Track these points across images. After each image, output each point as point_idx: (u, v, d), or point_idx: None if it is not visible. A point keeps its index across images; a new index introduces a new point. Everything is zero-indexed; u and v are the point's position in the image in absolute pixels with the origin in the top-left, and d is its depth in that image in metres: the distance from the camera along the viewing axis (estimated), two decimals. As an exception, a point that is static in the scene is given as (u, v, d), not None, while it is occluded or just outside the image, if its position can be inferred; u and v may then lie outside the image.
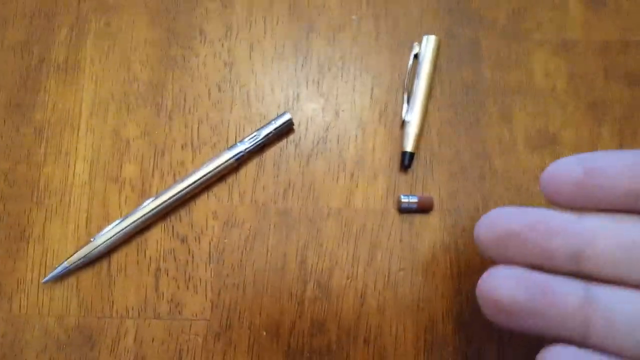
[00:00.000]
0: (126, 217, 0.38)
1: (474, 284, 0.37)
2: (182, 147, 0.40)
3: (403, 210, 0.38)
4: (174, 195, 0.38)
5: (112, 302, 0.38)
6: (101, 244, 0.37)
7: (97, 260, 0.38)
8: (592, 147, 0.39)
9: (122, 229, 0.37)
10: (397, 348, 0.36)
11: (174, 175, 0.39)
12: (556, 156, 0.39)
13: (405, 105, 0.39)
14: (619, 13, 0.42)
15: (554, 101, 0.40)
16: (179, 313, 0.37)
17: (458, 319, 0.37)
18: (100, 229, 0.38)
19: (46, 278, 0.37)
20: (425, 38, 0.40)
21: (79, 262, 0.37)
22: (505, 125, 0.40)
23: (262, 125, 0.39)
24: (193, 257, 0.38)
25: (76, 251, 0.37)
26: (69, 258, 0.37)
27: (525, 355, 0.36)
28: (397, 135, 0.40)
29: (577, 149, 0.39)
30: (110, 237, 0.37)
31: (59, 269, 0.37)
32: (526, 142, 0.39)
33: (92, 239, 0.37)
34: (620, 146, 0.39)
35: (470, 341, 0.36)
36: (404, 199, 0.37)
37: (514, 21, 0.42)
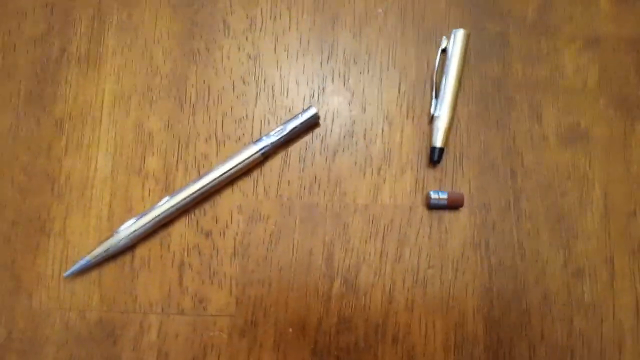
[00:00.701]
0: (149, 210, 0.37)
1: (505, 282, 0.36)
2: (205, 140, 0.39)
3: (432, 206, 0.37)
4: (198, 189, 0.37)
5: (135, 296, 0.37)
6: (124, 238, 0.36)
7: (120, 254, 0.37)
8: (625, 143, 0.39)
9: (146, 223, 0.37)
10: (427, 347, 0.36)
11: (198, 168, 0.39)
12: (588, 153, 0.38)
13: (434, 100, 0.39)
14: (651, 7, 0.41)
15: (585, 96, 0.39)
16: (204, 309, 0.36)
17: (488, 317, 0.36)
18: (122, 223, 0.38)
19: (68, 272, 0.36)
20: (453, 32, 0.40)
21: (101, 256, 0.36)
22: (535, 120, 0.39)
23: (287, 119, 0.38)
24: (218, 251, 0.37)
25: (98, 245, 0.36)
26: (91, 252, 0.36)
27: (558, 355, 0.35)
28: (425, 130, 0.39)
29: (609, 145, 0.39)
30: (134, 231, 0.37)
31: (81, 262, 0.36)
32: (557, 138, 0.39)
33: (114, 233, 0.36)
34: (653, 142, 0.39)
35: (501, 340, 0.36)
36: (434, 195, 0.37)
37: (543, 15, 0.41)
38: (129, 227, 0.37)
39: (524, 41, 0.41)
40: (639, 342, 0.36)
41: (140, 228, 0.37)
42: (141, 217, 0.37)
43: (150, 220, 0.37)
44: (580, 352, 0.36)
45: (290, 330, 0.36)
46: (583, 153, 0.38)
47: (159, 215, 0.37)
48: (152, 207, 0.37)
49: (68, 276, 0.37)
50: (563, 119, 0.39)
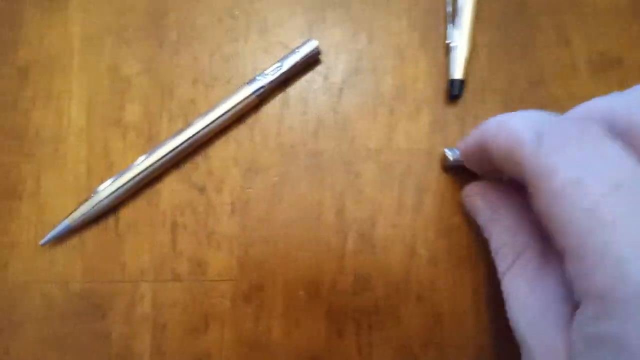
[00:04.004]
0: (133, 166, 0.32)
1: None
2: (192, 83, 0.34)
3: (451, 167, 0.33)
4: (187, 140, 0.32)
5: (124, 263, 0.33)
6: (106, 198, 0.32)
7: (102, 217, 0.33)
8: (665, 68, 0.34)
9: (129, 180, 0.32)
10: (455, 303, 0.32)
11: (185, 116, 0.34)
12: (623, 83, 0.34)
13: (450, 27, 0.34)
14: None
15: (618, 19, 0.35)
16: (202, 273, 0.32)
17: (521, 268, 0.32)
18: (103, 180, 0.33)
19: (44, 239, 0.32)
20: (467, -51, 0.35)
21: (81, 219, 0.32)
22: (564, 47, 0.35)
23: (283, 56, 0.33)
24: (214, 209, 0.33)
25: (78, 207, 0.32)
26: (69, 215, 0.32)
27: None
28: (441, 62, 0.35)
29: (647, 71, 0.34)
30: (117, 189, 0.32)
31: (59, 228, 0.32)
32: (588, 66, 0.34)
33: (94, 192, 0.32)
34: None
35: (536, 292, 0.32)
36: (450, 154, 0.32)
37: None
38: (110, 186, 0.32)
39: (548, -43, 0.36)
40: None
41: (123, 186, 0.32)
42: (124, 173, 0.32)
43: (134, 177, 0.32)
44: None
45: (301, 292, 0.32)
46: (617, 82, 0.34)
47: (143, 170, 0.32)
48: (135, 162, 0.32)
49: (45, 244, 0.32)
50: (594, 45, 0.35)
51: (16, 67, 0.35)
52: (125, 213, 0.33)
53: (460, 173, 0.33)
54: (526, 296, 0.24)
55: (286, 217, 0.33)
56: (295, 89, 0.34)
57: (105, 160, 0.33)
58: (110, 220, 0.33)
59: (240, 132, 0.34)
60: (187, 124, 0.33)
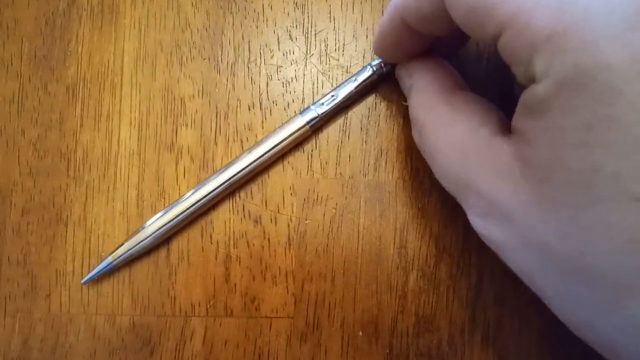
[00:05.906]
0: (184, 198, 0.31)
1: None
2: (249, 107, 0.33)
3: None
4: (243, 168, 0.31)
5: (174, 297, 0.31)
6: (153, 234, 0.30)
7: (153, 248, 0.31)
8: None
9: (183, 211, 0.31)
10: (520, 346, 0.30)
11: (241, 142, 0.32)
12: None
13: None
14: None
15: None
16: (256, 309, 0.31)
17: (595, 313, 0.30)
18: (154, 207, 0.32)
19: (85, 278, 0.31)
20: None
21: (126, 255, 0.30)
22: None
23: (342, 82, 0.32)
24: (269, 241, 0.31)
25: (123, 243, 0.30)
26: (113, 252, 0.30)
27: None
28: (510, 91, 0.33)
29: None
30: (165, 224, 0.30)
31: (101, 266, 0.31)
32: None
33: (142, 228, 0.30)
34: None
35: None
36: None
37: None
38: (158, 220, 0.31)
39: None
40: None
41: (173, 220, 0.31)
42: (174, 206, 0.31)
43: (188, 208, 0.31)
44: None
45: (360, 333, 0.31)
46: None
47: (197, 200, 0.31)
48: (189, 191, 0.31)
49: (86, 283, 0.31)
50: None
51: (64, 84, 0.33)
52: (177, 244, 0.31)
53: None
54: (451, 122, 0.24)
55: (345, 252, 0.31)
56: (355, 115, 0.33)
57: (157, 186, 0.32)
58: (162, 251, 0.31)
59: (297, 160, 0.32)
60: (242, 152, 0.31)
